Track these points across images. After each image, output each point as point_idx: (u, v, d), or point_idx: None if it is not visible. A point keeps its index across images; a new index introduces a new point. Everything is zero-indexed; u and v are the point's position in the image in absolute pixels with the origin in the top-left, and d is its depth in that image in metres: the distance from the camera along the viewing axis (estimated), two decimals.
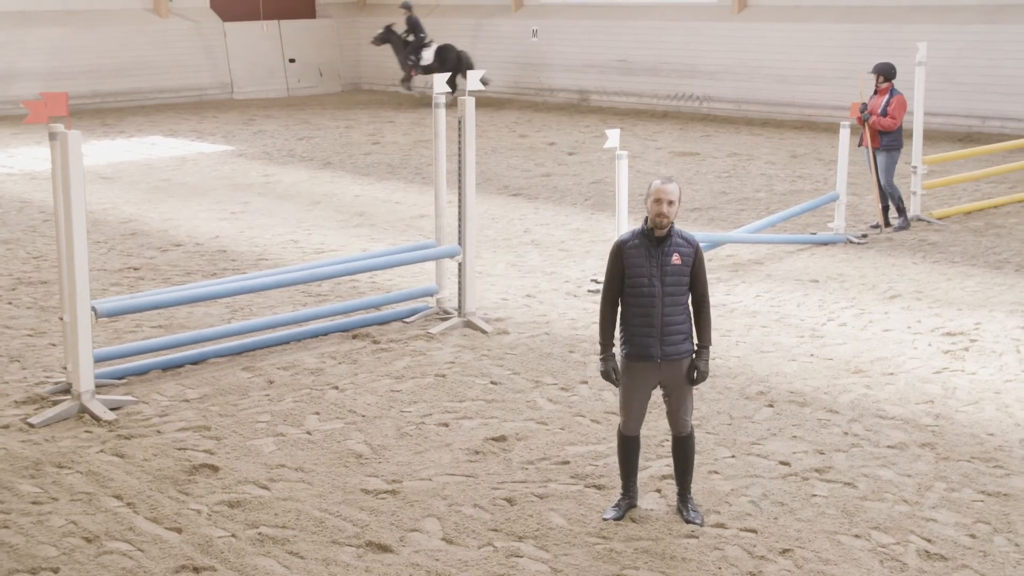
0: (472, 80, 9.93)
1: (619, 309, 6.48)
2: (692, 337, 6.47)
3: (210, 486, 7.02)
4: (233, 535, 6.40)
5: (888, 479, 7.07)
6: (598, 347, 6.60)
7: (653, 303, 6.33)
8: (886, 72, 13.60)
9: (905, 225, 13.86)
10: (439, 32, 29.61)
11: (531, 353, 9.49)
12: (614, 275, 6.44)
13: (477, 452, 7.50)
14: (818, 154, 19.52)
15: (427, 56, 26.61)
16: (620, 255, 6.41)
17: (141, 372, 8.97)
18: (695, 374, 6.45)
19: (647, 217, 6.38)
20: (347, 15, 31.67)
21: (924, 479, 7.08)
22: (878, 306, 10.73)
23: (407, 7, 27.06)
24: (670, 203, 6.31)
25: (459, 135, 9.92)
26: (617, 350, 6.52)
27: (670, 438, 6.72)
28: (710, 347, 6.52)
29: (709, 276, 6.58)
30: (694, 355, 6.47)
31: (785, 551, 6.21)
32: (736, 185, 16.96)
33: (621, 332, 6.49)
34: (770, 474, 7.15)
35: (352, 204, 15.95)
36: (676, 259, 6.34)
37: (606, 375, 6.52)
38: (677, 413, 6.55)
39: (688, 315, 6.44)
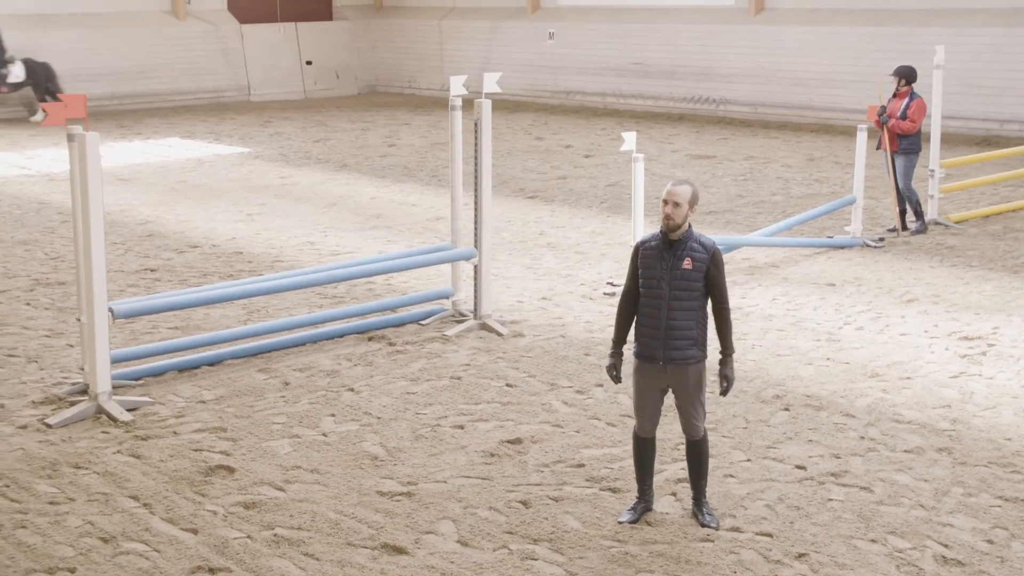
0: (489, 83, 9.92)
1: (636, 309, 6.49)
2: (700, 343, 6.45)
3: (226, 487, 7.04)
4: (249, 536, 6.42)
5: (905, 484, 7.05)
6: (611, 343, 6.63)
7: (659, 305, 6.35)
8: (908, 75, 13.55)
9: (922, 229, 13.81)
10: (458, 34, 29.65)
11: (546, 356, 9.49)
12: (631, 275, 6.48)
13: (492, 455, 7.50)
14: (835, 157, 19.46)
15: (16, 72, 24.58)
16: (636, 256, 6.45)
17: (158, 373, 9.00)
18: (724, 384, 6.45)
19: None
20: (364, 17, 31.72)
21: (941, 484, 7.05)
22: (895, 310, 10.70)
23: None
24: (675, 205, 6.30)
25: (475, 138, 9.92)
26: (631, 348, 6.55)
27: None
28: (733, 354, 6.51)
29: (726, 279, 6.55)
30: (720, 363, 6.46)
31: (801, 555, 6.19)
32: (752, 188, 16.93)
33: (635, 331, 6.51)
34: (786, 478, 7.13)
35: (368, 206, 15.98)
36: (687, 264, 6.33)
37: (608, 371, 6.57)
38: (687, 417, 6.54)
39: (698, 321, 6.41)
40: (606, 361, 6.60)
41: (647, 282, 6.38)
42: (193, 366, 9.18)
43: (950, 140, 18.71)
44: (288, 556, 6.21)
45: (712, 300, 6.44)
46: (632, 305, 6.50)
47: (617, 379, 6.57)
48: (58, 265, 12.57)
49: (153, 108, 27.30)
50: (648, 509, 6.66)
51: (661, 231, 6.41)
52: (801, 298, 11.13)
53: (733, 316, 10.12)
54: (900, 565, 6.10)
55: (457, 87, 9.94)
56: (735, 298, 10.89)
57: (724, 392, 6.50)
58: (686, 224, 6.37)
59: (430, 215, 15.25)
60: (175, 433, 7.89)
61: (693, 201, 6.38)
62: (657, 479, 6.92)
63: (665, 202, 6.33)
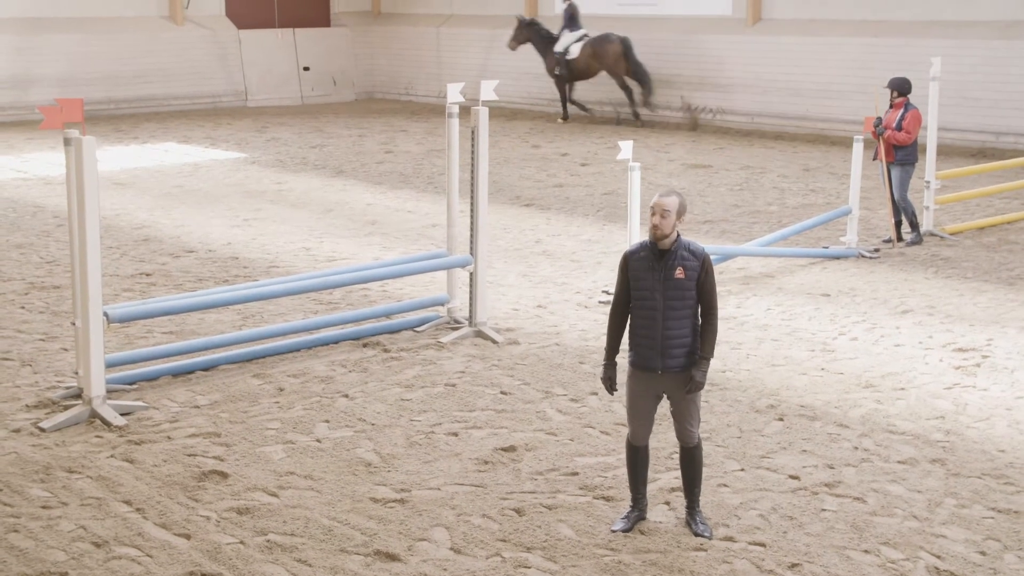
0: (486, 90, 9.94)
1: (628, 319, 6.49)
2: (695, 350, 6.45)
3: (219, 492, 7.03)
4: (242, 542, 6.41)
5: (898, 494, 7.05)
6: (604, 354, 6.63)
7: (655, 316, 6.35)
8: (900, 87, 13.58)
9: (918, 240, 13.83)
10: (455, 42, 29.66)
11: (541, 364, 9.49)
12: (621, 287, 6.48)
13: (486, 462, 7.50)
14: (831, 168, 19.50)
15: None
16: (626, 267, 6.45)
17: (152, 378, 9.00)
18: (689, 384, 6.42)
19: None
20: (362, 24, 31.75)
21: (934, 495, 7.06)
22: (889, 321, 10.71)
23: None
24: (663, 214, 6.32)
25: (472, 145, 9.93)
26: (625, 357, 6.55)
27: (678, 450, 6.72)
28: (710, 359, 6.49)
29: (720, 289, 6.58)
30: (693, 365, 6.44)
31: (794, 565, 6.19)
32: (748, 198, 16.95)
33: (628, 340, 6.51)
34: (779, 488, 7.13)
35: (364, 212, 15.98)
36: (679, 273, 6.34)
37: (604, 382, 6.55)
38: (682, 424, 6.55)
39: (694, 328, 6.43)
40: (600, 372, 6.60)
41: (640, 293, 6.39)
42: (187, 371, 9.17)
43: (946, 152, 18.74)
44: (281, 562, 6.20)
45: (702, 306, 6.45)
46: (623, 315, 6.51)
47: (613, 390, 6.57)
48: (53, 269, 12.56)
49: (150, 113, 27.31)
50: (641, 518, 6.66)
51: (650, 241, 6.42)
52: (796, 308, 11.14)
53: (727, 325, 10.20)
54: None
55: (454, 94, 9.96)
56: (730, 307, 10.92)
57: (686, 391, 6.45)
58: (675, 233, 6.39)
59: (426, 222, 15.25)
60: (169, 438, 7.88)
61: (681, 211, 6.40)
62: (651, 488, 6.92)
63: (653, 212, 6.36)
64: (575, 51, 25.04)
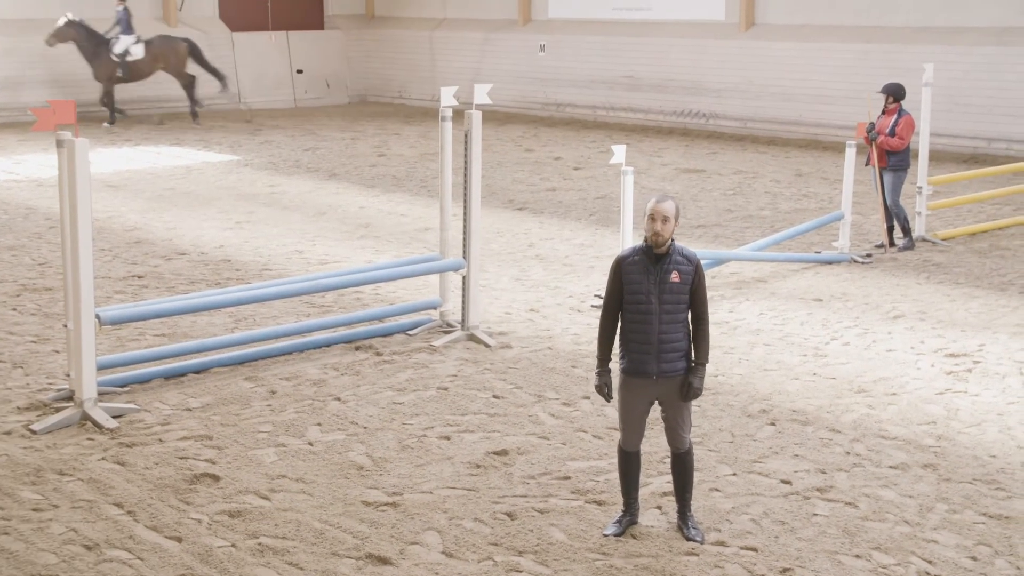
0: (479, 94, 9.94)
1: (619, 324, 6.49)
2: (688, 355, 6.47)
3: (211, 495, 7.02)
4: (233, 545, 6.40)
5: (889, 499, 7.06)
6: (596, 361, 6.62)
7: (650, 320, 6.34)
8: (895, 92, 13.62)
9: (910, 245, 13.86)
10: (449, 45, 29.66)
11: (534, 367, 9.49)
12: (613, 291, 6.47)
13: (478, 466, 7.50)
14: (823, 173, 19.53)
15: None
16: (619, 271, 6.44)
17: (144, 380, 8.98)
18: (687, 390, 6.44)
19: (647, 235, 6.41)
20: (355, 27, 31.74)
21: (926, 500, 7.07)
22: (881, 326, 10.73)
23: None
24: (664, 220, 6.32)
25: (465, 148, 9.93)
26: (616, 364, 6.54)
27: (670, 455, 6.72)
28: (706, 364, 6.50)
29: (713, 293, 6.59)
30: (689, 371, 6.45)
31: (785, 570, 6.20)
32: (741, 203, 16.97)
33: (620, 347, 6.50)
34: (771, 492, 7.14)
35: (357, 216, 15.97)
36: (675, 277, 6.34)
37: (599, 389, 6.54)
38: (674, 430, 6.55)
39: (686, 333, 6.44)
40: (594, 380, 6.58)
41: (635, 297, 6.38)
42: (179, 374, 9.16)
43: (938, 157, 18.79)
44: (272, 565, 6.19)
45: (693, 311, 6.45)
46: (614, 320, 6.50)
47: (608, 397, 6.56)
48: (45, 271, 12.53)
49: (142, 114, 27.25)
50: (633, 522, 6.66)
51: (645, 246, 6.42)
52: (788, 313, 11.15)
53: (720, 330, 10.21)
54: None
55: (448, 98, 9.96)
56: (723, 312, 10.92)
57: (684, 397, 6.48)
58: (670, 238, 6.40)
59: (419, 225, 15.25)
60: (160, 440, 7.87)
61: (678, 215, 6.42)
62: (643, 492, 6.93)
63: (653, 219, 6.34)
64: (138, 52, 25.32)
